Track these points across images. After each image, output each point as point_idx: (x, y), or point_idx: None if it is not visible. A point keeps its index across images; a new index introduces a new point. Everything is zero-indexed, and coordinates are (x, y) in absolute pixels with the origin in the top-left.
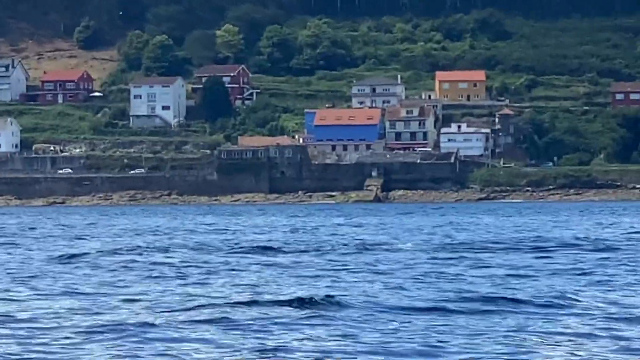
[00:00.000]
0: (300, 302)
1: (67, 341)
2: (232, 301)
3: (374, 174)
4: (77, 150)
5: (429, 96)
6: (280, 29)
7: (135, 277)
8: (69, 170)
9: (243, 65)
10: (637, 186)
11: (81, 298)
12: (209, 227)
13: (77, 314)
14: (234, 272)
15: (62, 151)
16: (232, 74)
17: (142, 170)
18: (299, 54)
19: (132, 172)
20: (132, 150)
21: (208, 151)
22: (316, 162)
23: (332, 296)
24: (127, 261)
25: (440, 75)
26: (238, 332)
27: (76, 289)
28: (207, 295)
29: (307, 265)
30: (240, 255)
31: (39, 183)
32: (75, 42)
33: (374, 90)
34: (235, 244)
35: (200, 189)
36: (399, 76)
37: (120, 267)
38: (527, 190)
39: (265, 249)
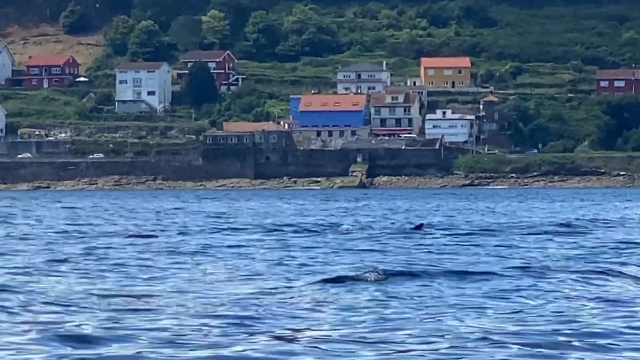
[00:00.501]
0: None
1: None
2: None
3: (358, 159)
4: (63, 135)
5: (414, 82)
6: (265, 14)
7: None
8: (28, 155)
9: (228, 51)
10: (621, 173)
11: None
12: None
13: None
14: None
15: (47, 136)
16: (217, 60)
17: (101, 155)
18: (285, 40)
19: (91, 157)
20: (117, 135)
21: (193, 136)
22: (301, 148)
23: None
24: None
25: (425, 61)
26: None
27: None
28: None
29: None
30: None
31: (24, 167)
32: (61, 27)
33: (359, 76)
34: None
35: (185, 174)
36: (384, 62)
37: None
38: (512, 177)
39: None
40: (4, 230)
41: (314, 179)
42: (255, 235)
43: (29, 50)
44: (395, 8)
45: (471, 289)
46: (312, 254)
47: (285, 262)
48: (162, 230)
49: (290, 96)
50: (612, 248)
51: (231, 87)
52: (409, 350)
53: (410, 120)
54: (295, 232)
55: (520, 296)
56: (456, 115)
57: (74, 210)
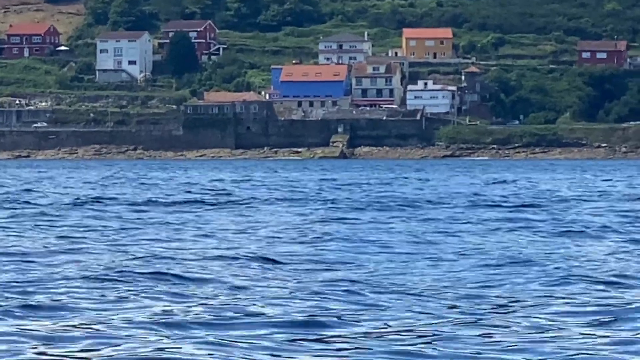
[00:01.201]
0: None
1: None
2: None
3: (339, 130)
4: (43, 104)
5: (396, 53)
6: None
7: None
8: None
9: (210, 21)
10: (602, 145)
11: None
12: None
13: None
14: None
15: (27, 105)
16: (198, 30)
17: (45, 124)
18: (266, 10)
19: (35, 126)
20: (97, 104)
21: (174, 106)
22: (282, 118)
23: None
24: None
25: (407, 32)
26: None
27: None
28: None
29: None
30: None
31: (4, 137)
32: None
33: (340, 46)
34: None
35: (166, 144)
36: (365, 33)
37: None
38: (493, 148)
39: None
40: None
41: (295, 149)
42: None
43: (10, 19)
44: None
45: None
46: None
47: None
48: None
49: (272, 66)
50: None
51: (212, 57)
52: None
53: (391, 91)
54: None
55: None
56: (438, 86)
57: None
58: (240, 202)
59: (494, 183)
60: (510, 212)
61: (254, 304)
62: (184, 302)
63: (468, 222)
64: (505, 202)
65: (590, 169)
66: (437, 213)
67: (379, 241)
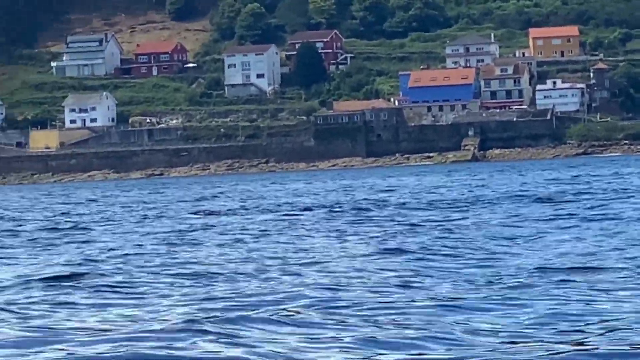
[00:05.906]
0: None
1: None
2: None
3: (470, 133)
4: (174, 121)
5: (523, 54)
6: None
7: None
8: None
9: (336, 31)
10: None
11: None
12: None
13: None
14: None
15: (158, 123)
16: (325, 40)
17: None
18: (392, 17)
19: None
20: (228, 119)
21: (304, 117)
22: (412, 124)
23: None
24: None
25: (533, 32)
26: None
27: None
28: None
29: None
30: None
31: (136, 156)
32: (167, 13)
33: (467, 50)
34: None
35: (297, 155)
36: (492, 35)
37: None
38: (625, 144)
39: None
40: None
41: (427, 154)
42: None
43: (137, 39)
44: None
45: None
46: None
47: None
48: None
49: (399, 73)
50: None
51: (340, 66)
52: None
53: (520, 92)
54: None
55: None
56: (566, 85)
57: None
58: None
59: None
60: None
61: None
62: None
63: None
64: None
65: None
66: None
67: None
